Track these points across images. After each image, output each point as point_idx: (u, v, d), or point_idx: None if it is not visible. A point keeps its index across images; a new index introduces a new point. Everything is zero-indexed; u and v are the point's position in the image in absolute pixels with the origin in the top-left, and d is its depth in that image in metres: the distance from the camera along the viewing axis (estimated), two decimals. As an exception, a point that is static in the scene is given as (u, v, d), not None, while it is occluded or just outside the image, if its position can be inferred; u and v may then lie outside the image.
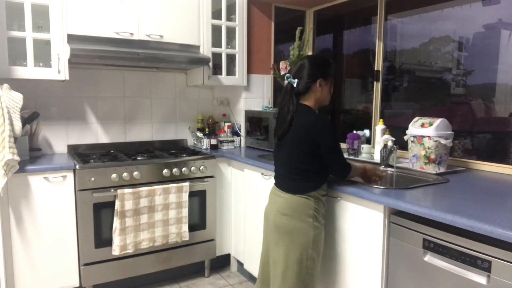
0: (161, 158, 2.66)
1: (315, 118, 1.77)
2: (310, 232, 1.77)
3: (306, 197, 1.77)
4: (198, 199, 2.75)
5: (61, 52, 2.45)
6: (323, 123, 1.75)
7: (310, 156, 1.75)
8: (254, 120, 3.14)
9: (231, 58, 3.18)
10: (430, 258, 1.49)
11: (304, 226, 1.76)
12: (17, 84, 2.50)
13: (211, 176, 2.79)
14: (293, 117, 1.77)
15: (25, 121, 2.47)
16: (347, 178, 1.86)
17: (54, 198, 2.34)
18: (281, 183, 1.86)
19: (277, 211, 1.82)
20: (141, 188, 2.46)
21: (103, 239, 2.44)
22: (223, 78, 3.10)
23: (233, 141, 3.25)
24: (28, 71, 2.39)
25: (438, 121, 2.07)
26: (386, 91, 2.90)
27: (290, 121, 1.77)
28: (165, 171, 2.58)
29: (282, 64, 2.96)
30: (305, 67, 1.83)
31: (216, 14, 3.02)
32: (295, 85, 1.81)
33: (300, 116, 1.78)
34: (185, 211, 2.62)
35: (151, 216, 2.51)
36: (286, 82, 1.86)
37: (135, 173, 2.48)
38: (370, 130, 2.78)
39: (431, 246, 1.48)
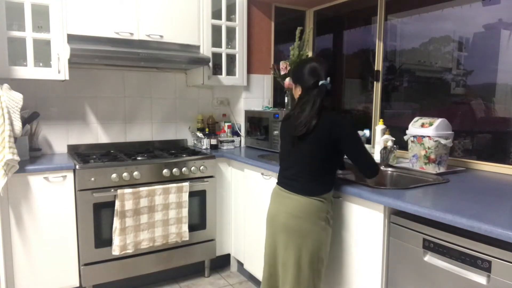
0: (161, 158, 2.66)
1: (339, 116, 1.77)
2: (322, 235, 1.75)
3: (320, 200, 1.73)
4: (198, 199, 2.75)
5: (61, 52, 2.45)
6: (348, 120, 1.78)
7: (330, 155, 1.74)
8: (254, 120, 3.14)
9: (231, 58, 3.18)
10: (430, 258, 1.49)
11: (317, 230, 1.73)
12: (17, 84, 2.50)
13: (211, 176, 2.79)
14: (320, 117, 1.72)
15: (25, 121, 2.47)
16: (375, 177, 1.82)
17: (54, 198, 2.34)
18: (290, 183, 1.79)
19: (288, 213, 1.75)
20: (141, 188, 2.46)
21: (103, 239, 2.44)
22: (223, 78, 3.10)
23: (233, 141, 3.25)
24: (28, 71, 2.39)
25: (438, 121, 2.07)
26: (386, 91, 2.90)
27: (317, 121, 1.70)
28: (165, 171, 2.58)
29: (282, 64, 2.96)
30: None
31: (216, 14, 3.02)
32: (329, 87, 1.78)
33: (323, 115, 1.73)
34: (185, 211, 2.62)
35: (151, 216, 2.51)
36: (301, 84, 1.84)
37: (135, 173, 2.48)
38: (370, 130, 2.78)
39: (431, 246, 1.48)
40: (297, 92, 1.87)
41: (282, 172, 1.88)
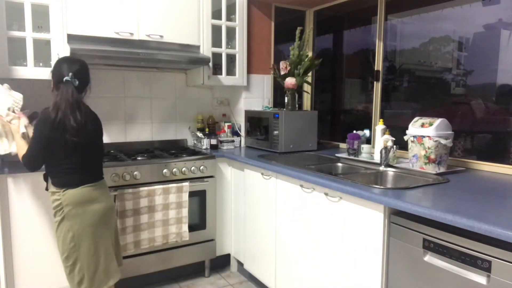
0: (161, 158, 2.66)
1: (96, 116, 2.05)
2: None
3: None
4: (198, 199, 2.75)
5: (61, 52, 2.45)
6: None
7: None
8: (254, 120, 3.14)
9: (231, 58, 3.18)
10: (430, 258, 1.49)
11: None
12: (17, 84, 2.50)
13: (211, 176, 2.79)
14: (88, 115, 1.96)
15: (25, 121, 2.47)
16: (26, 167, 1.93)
17: (54, 198, 2.34)
18: (96, 177, 1.98)
19: (112, 204, 2.05)
20: (141, 188, 2.46)
21: (103, 239, 2.43)
22: (223, 78, 3.10)
23: (233, 141, 3.25)
24: (28, 71, 2.39)
25: (438, 121, 2.07)
26: (386, 91, 2.90)
27: (91, 119, 1.97)
28: (165, 171, 2.58)
29: (282, 64, 2.97)
30: (87, 70, 2.06)
31: (216, 14, 3.02)
32: (76, 84, 1.96)
33: (90, 113, 2.01)
34: (185, 211, 2.62)
35: (151, 216, 2.51)
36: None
37: (135, 173, 2.48)
38: (370, 130, 2.78)
39: (431, 246, 1.48)
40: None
41: (87, 169, 1.95)
